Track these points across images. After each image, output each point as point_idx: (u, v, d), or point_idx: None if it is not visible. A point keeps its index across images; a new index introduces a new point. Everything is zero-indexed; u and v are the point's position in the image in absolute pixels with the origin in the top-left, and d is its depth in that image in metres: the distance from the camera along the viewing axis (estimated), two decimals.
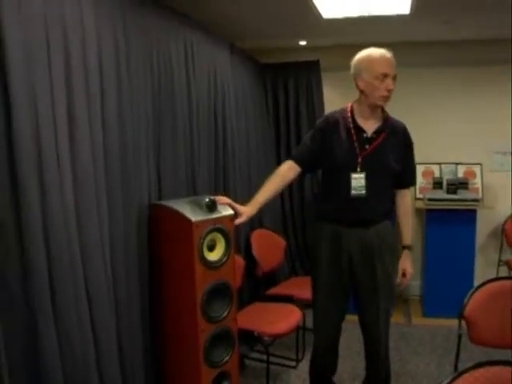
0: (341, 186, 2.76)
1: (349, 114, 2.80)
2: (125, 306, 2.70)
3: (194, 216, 2.75)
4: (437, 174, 5.25)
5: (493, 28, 4.54)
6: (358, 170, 2.73)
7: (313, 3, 3.67)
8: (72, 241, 2.27)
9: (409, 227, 2.95)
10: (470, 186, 5.05)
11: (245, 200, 4.34)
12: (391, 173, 2.80)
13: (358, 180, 2.73)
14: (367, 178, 2.72)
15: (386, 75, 2.65)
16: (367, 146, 2.75)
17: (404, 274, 2.89)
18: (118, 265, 2.65)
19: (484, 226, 5.22)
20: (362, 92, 2.75)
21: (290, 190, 5.37)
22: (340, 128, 2.78)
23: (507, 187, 5.19)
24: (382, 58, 2.68)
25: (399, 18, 4.06)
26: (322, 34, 4.77)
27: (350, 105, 2.85)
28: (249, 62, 4.84)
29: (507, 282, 2.85)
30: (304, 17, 4.06)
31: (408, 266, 2.89)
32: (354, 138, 2.75)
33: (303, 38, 5.04)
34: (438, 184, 5.07)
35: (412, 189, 5.15)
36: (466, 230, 4.79)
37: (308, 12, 3.88)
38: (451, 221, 4.78)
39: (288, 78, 5.26)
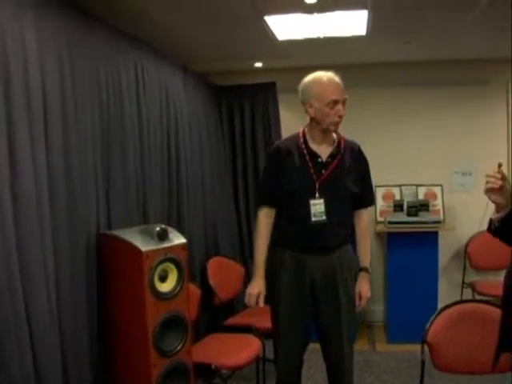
0: (300, 213, 2.77)
1: (301, 140, 2.83)
2: (71, 340, 2.63)
3: (144, 246, 2.73)
4: (397, 197, 5.33)
5: (452, 48, 4.68)
6: (317, 196, 2.75)
7: (267, 25, 3.71)
8: (12, 273, 2.20)
9: (366, 248, 2.97)
10: (430, 208, 5.14)
11: (199, 228, 4.33)
12: (350, 196, 2.84)
13: (317, 206, 2.75)
14: (326, 204, 2.75)
15: (336, 102, 2.68)
16: (323, 171, 2.77)
17: (360, 297, 2.89)
18: (64, 298, 2.59)
19: (446, 248, 5.31)
20: (312, 118, 2.78)
21: (247, 213, 5.36)
22: (294, 155, 2.80)
23: (468, 208, 5.28)
24: (330, 85, 2.71)
25: (356, 39, 4.14)
26: (278, 56, 4.82)
27: (301, 130, 2.88)
28: (203, 84, 4.86)
29: (469, 305, 2.89)
30: (259, 39, 4.10)
31: (364, 288, 2.89)
32: (310, 164, 2.77)
33: (259, 60, 5.08)
34: (398, 207, 5.13)
35: (372, 212, 5.27)
36: (428, 252, 4.86)
37: (263, 34, 3.92)
38: (413, 244, 4.84)
39: (244, 101, 5.29)
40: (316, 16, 3.52)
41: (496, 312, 2.75)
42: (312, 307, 2.84)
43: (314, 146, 2.80)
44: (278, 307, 2.85)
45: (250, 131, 5.30)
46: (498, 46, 4.58)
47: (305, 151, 2.79)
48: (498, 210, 2.14)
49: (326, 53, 4.61)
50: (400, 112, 5.44)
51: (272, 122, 5.26)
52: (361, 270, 2.92)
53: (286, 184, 2.79)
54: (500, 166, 2.09)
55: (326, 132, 2.78)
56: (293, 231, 2.83)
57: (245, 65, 5.21)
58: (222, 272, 4.40)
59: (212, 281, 4.21)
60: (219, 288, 4.22)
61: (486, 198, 5.37)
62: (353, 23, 3.77)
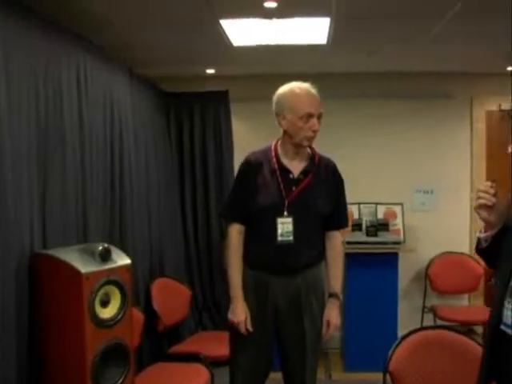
0: (266, 232, 2.76)
1: (273, 154, 2.83)
2: None
3: (84, 267, 2.65)
4: (355, 215, 5.32)
5: (416, 61, 4.78)
6: (285, 214, 2.75)
7: (223, 29, 3.69)
8: None
9: (338, 273, 2.96)
10: (390, 228, 5.18)
11: (144, 247, 4.25)
12: (321, 216, 2.84)
13: (285, 225, 2.75)
14: (295, 223, 2.75)
15: (310, 115, 2.70)
16: (294, 188, 2.78)
17: (328, 325, 2.88)
18: None
19: (406, 270, 5.35)
20: (285, 132, 2.79)
21: (196, 231, 5.32)
22: (264, 170, 2.81)
23: (429, 228, 5.39)
24: (306, 96, 2.73)
25: (315, 47, 4.18)
26: (232, 63, 4.82)
27: (273, 144, 2.88)
28: (151, 90, 4.80)
29: (433, 332, 2.91)
30: (213, 43, 4.09)
31: (333, 316, 2.88)
32: (280, 179, 2.78)
33: (211, 66, 5.07)
34: (356, 226, 5.13)
35: None
36: (387, 274, 4.90)
37: (217, 39, 3.91)
38: (372, 265, 4.88)
39: (194, 110, 5.25)
40: (275, 22, 3.53)
41: (461, 339, 2.79)
42: (275, 333, 2.83)
43: (285, 161, 2.81)
44: (239, 332, 2.81)
45: (200, 142, 5.26)
46: (463, 59, 4.71)
47: (275, 166, 2.80)
48: (486, 228, 2.12)
49: (283, 61, 4.64)
50: (359, 125, 5.48)
51: (224, 133, 5.24)
52: (330, 295, 2.92)
53: (254, 200, 2.78)
54: (494, 181, 2.05)
55: (299, 147, 2.80)
56: (256, 251, 2.82)
57: (196, 70, 5.19)
58: (167, 295, 4.34)
59: (156, 304, 4.14)
60: (164, 312, 4.15)
61: (446, 217, 5.47)
62: (313, 31, 3.80)
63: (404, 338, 2.84)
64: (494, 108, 5.42)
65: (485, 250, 2.15)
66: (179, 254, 5.15)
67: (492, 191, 2.01)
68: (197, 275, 5.30)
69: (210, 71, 5.19)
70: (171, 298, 4.40)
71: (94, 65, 3.51)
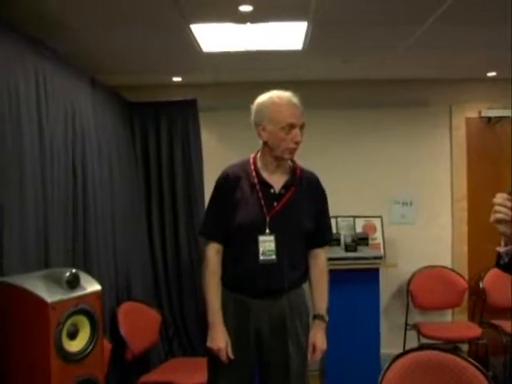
0: (247, 251, 2.71)
1: (252, 168, 2.79)
2: None
3: (50, 295, 2.52)
4: (333, 230, 5.26)
5: (393, 68, 4.81)
6: (267, 231, 2.71)
7: (193, 34, 3.62)
8: None
9: (323, 293, 2.90)
10: (370, 242, 5.16)
11: (110, 270, 4.12)
12: (304, 232, 2.81)
13: (267, 243, 2.71)
14: (277, 241, 2.71)
15: (292, 126, 2.66)
16: (275, 204, 2.74)
17: (314, 349, 2.82)
18: None
19: (388, 286, 5.33)
20: (265, 143, 2.74)
21: (164, 251, 5.19)
22: (243, 184, 2.76)
23: (410, 241, 5.37)
24: (287, 106, 2.70)
25: (291, 54, 4.15)
26: (201, 70, 4.78)
27: (252, 156, 2.84)
28: (114, 100, 4.69)
29: (423, 354, 2.86)
30: (181, 49, 4.04)
31: (319, 339, 2.83)
32: (260, 195, 2.73)
33: (178, 74, 5.01)
34: (335, 241, 5.07)
35: None
36: (368, 291, 4.84)
37: (186, 44, 3.86)
38: (352, 282, 4.80)
39: (160, 120, 5.14)
40: (249, 26, 3.48)
41: (455, 360, 2.74)
42: (257, 358, 2.78)
43: (265, 175, 2.77)
44: (218, 358, 2.73)
45: (167, 155, 5.15)
46: (442, 66, 4.75)
47: (255, 180, 2.75)
48: (506, 242, 2.06)
49: (256, 68, 4.62)
50: (335, 135, 5.45)
51: (192, 145, 5.13)
52: (315, 317, 2.86)
53: (233, 217, 2.72)
54: (510, 193, 1.93)
55: (280, 160, 2.76)
56: (237, 271, 2.76)
57: (162, 78, 5.12)
58: (134, 320, 4.23)
59: (123, 331, 4.02)
60: (132, 339, 4.04)
61: (427, 230, 5.45)
62: (289, 36, 3.78)
63: (394, 360, 2.79)
64: (474, 115, 5.45)
65: (507, 265, 2.09)
66: (147, 275, 5.02)
67: (509, 204, 1.93)
68: (166, 298, 5.15)
69: (177, 79, 5.12)
70: (139, 323, 4.28)
71: (54, 72, 3.39)
